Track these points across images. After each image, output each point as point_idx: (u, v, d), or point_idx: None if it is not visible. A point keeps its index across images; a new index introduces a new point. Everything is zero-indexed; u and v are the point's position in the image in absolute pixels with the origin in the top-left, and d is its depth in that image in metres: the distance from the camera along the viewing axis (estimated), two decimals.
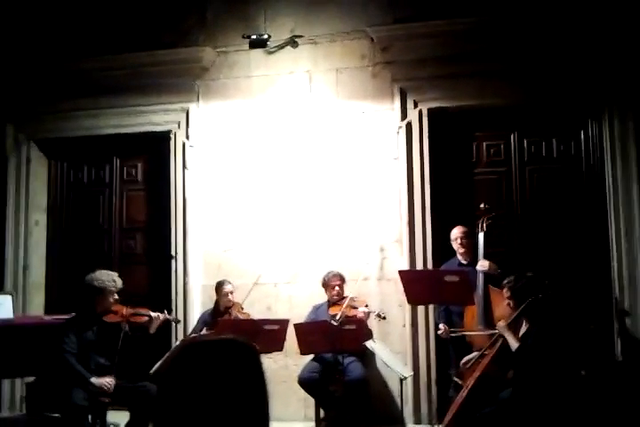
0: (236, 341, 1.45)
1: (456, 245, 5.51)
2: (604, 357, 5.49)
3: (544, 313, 4.41)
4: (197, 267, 6.52)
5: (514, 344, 4.34)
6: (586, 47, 5.80)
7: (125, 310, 5.17)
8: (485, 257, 5.23)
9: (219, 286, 5.93)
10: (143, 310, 5.23)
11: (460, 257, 5.53)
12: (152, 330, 5.17)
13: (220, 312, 5.88)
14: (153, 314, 5.18)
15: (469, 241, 5.46)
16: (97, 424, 5.04)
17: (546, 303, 4.43)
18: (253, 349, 1.46)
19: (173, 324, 5.99)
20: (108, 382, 4.87)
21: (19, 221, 6.95)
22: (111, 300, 5.12)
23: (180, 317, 6.32)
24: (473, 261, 5.36)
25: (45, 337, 5.35)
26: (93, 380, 4.86)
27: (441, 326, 5.34)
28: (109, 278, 5.12)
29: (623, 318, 5.63)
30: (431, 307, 5.82)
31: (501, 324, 4.48)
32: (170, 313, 5.83)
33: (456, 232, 5.53)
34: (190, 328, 6.22)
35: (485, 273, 5.16)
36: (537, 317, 4.40)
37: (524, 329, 4.48)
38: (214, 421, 1.33)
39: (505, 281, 4.57)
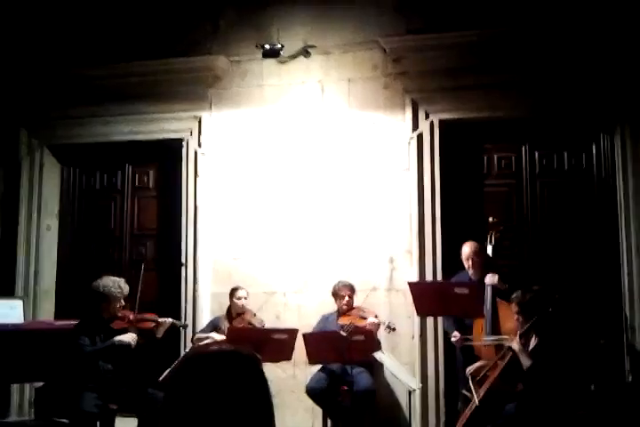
0: (239, 352, 1.47)
1: (467, 263, 5.47)
2: (614, 372, 5.46)
3: (554, 328, 4.40)
4: (207, 275, 6.54)
5: (526, 362, 4.32)
6: (598, 60, 5.79)
7: (132, 316, 5.19)
8: (494, 269, 5.22)
9: (233, 291, 5.97)
10: (150, 316, 5.26)
11: (470, 275, 5.50)
12: (159, 335, 5.20)
13: (233, 318, 5.91)
14: (160, 319, 5.23)
15: (481, 259, 5.39)
16: None
17: (555, 318, 4.42)
18: (256, 360, 1.47)
19: (182, 329, 6.01)
20: (131, 336, 4.97)
21: (30, 226, 6.98)
22: (117, 306, 5.15)
23: (190, 324, 6.34)
24: (483, 277, 5.34)
25: (55, 343, 5.38)
26: (117, 338, 4.95)
27: (456, 333, 5.32)
28: (115, 285, 5.13)
29: (633, 333, 5.61)
30: (440, 319, 5.81)
31: (513, 342, 4.46)
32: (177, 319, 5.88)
33: (467, 251, 5.46)
34: None
35: (493, 287, 5.16)
36: (546, 331, 4.40)
37: (533, 343, 4.47)
38: None
39: (513, 296, 4.57)
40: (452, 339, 5.36)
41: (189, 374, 1.41)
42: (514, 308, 4.53)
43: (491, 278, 5.17)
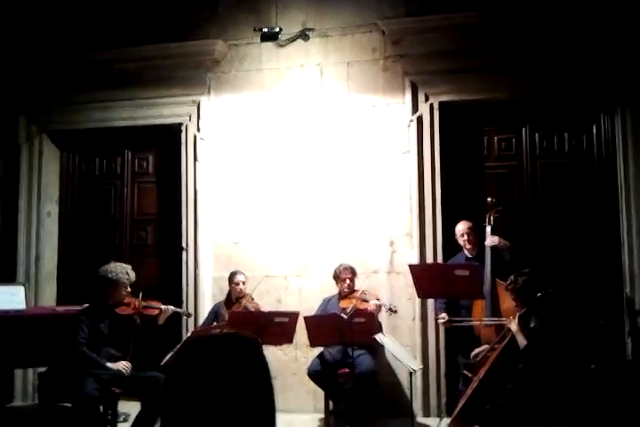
0: (239, 335, 1.48)
1: (462, 240, 5.54)
2: (615, 352, 5.48)
3: (553, 308, 4.41)
4: (208, 259, 6.55)
5: (522, 342, 4.35)
6: (599, 41, 5.76)
7: (138, 303, 5.22)
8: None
9: (231, 276, 6.00)
10: (155, 303, 5.30)
11: (466, 252, 5.56)
12: (160, 322, 5.24)
13: (232, 302, 5.93)
14: (163, 307, 5.26)
15: (475, 236, 5.49)
16: (108, 414, 5.10)
17: (555, 298, 4.43)
18: (256, 343, 1.48)
19: (184, 317, 6.04)
20: (124, 365, 4.94)
21: (31, 212, 6.99)
22: (124, 292, 5.18)
23: (191, 308, 6.37)
24: (479, 253, 5.39)
25: (58, 328, 5.40)
26: (109, 364, 4.93)
27: (443, 315, 5.36)
28: (123, 271, 5.17)
29: (634, 313, 5.62)
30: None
31: (511, 323, 4.47)
32: (180, 306, 5.91)
33: (461, 228, 5.55)
34: (201, 319, 6.26)
35: (494, 250, 5.19)
36: (545, 312, 4.41)
37: (532, 324, 4.49)
38: (220, 414, 1.35)
39: (507, 283, 4.58)
40: (440, 321, 5.39)
41: (190, 357, 1.41)
42: (510, 295, 4.55)
43: (490, 239, 5.23)
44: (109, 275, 5.13)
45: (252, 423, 1.37)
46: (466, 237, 5.51)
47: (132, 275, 5.21)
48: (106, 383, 4.86)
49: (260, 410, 1.39)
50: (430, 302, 5.87)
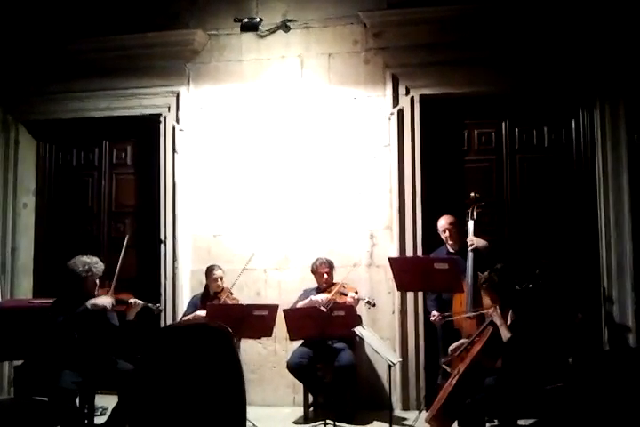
0: (208, 325, 1.48)
1: (444, 235, 5.55)
2: (592, 345, 5.54)
3: (531, 302, 4.44)
4: (187, 251, 6.50)
5: (506, 334, 4.36)
6: (577, 36, 5.79)
7: (109, 297, 5.08)
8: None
9: (209, 271, 5.94)
10: (125, 297, 5.13)
11: (448, 247, 5.57)
12: (130, 316, 5.08)
13: (210, 297, 5.89)
14: (131, 300, 5.09)
15: (458, 231, 5.51)
16: (85, 408, 5.05)
17: (533, 292, 4.45)
18: (226, 333, 1.47)
19: (156, 313, 5.89)
20: (106, 300, 4.90)
21: (7, 203, 6.89)
22: (92, 285, 5.06)
23: (170, 301, 6.33)
24: (461, 249, 5.39)
25: (34, 321, 5.33)
26: (90, 301, 4.86)
27: (434, 312, 5.37)
28: (87, 266, 5.02)
29: (611, 306, 5.68)
30: (420, 294, 5.85)
31: (493, 313, 4.49)
32: (157, 300, 5.83)
33: (443, 223, 5.56)
34: (180, 312, 6.22)
35: (475, 250, 5.22)
36: (522, 307, 4.43)
37: (510, 319, 4.51)
38: (189, 404, 1.34)
39: (481, 281, 4.60)
40: (431, 318, 5.40)
41: (158, 347, 1.41)
42: (485, 293, 4.57)
43: (471, 240, 5.26)
44: (74, 270, 5.01)
45: (222, 413, 1.37)
46: (448, 234, 5.53)
47: (100, 267, 5.07)
48: (82, 377, 4.79)
49: (229, 400, 1.39)
50: (413, 295, 5.88)
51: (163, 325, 6.17)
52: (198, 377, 1.36)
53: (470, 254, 5.24)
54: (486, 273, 4.60)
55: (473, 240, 5.27)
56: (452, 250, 5.55)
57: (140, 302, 5.13)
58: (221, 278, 5.89)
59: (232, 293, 5.85)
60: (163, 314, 6.17)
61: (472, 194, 5.48)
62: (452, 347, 4.82)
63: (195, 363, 1.37)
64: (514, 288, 4.41)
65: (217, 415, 1.36)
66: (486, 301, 4.80)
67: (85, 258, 5.11)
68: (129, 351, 4.95)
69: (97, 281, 5.07)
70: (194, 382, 1.36)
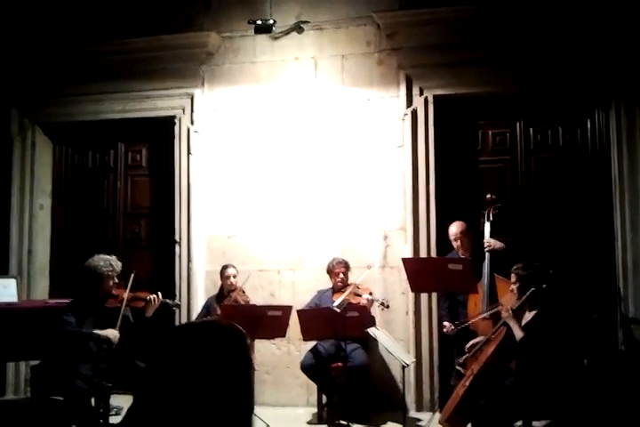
0: (219, 324, 1.48)
1: (455, 243, 5.48)
2: (607, 346, 5.49)
3: (548, 302, 4.41)
4: (201, 252, 6.53)
5: (518, 334, 4.33)
6: (594, 36, 5.76)
7: (126, 295, 5.14)
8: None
9: (223, 270, 6.00)
10: (143, 294, 5.17)
11: (460, 254, 5.49)
12: (148, 314, 5.10)
13: (224, 296, 5.92)
14: (150, 297, 5.10)
15: (468, 239, 5.43)
16: (100, 408, 5.08)
17: (550, 293, 4.42)
18: (236, 331, 1.47)
19: (175, 309, 5.96)
20: (112, 332, 4.88)
21: (23, 205, 6.95)
22: (110, 284, 5.10)
23: (184, 302, 6.34)
24: (473, 255, 5.32)
25: (50, 321, 5.36)
26: (97, 331, 4.86)
27: (446, 323, 5.32)
28: (107, 264, 5.08)
29: (626, 307, 5.63)
30: (434, 295, 5.83)
31: (506, 313, 4.46)
32: (173, 298, 5.86)
33: (454, 231, 5.48)
34: (194, 313, 6.25)
35: (491, 251, 5.15)
36: (540, 306, 4.40)
37: (527, 318, 4.48)
38: (197, 400, 1.35)
39: (514, 267, 4.54)
40: (444, 329, 5.34)
41: (169, 345, 1.42)
42: (512, 277, 4.52)
43: (488, 242, 5.18)
44: (93, 269, 5.06)
45: (228, 410, 1.37)
46: (459, 243, 5.45)
47: (118, 266, 5.11)
48: (97, 377, 4.83)
49: (237, 397, 1.39)
50: (427, 296, 5.85)
51: (178, 323, 6.21)
52: (207, 374, 1.37)
53: (487, 255, 5.19)
54: (522, 264, 4.52)
55: (490, 242, 5.21)
56: (462, 256, 5.48)
57: (159, 297, 5.13)
58: (234, 276, 5.92)
59: (244, 291, 5.88)
60: (177, 314, 6.20)
61: (488, 195, 5.41)
62: (468, 344, 4.80)
63: (204, 360, 1.38)
64: (531, 288, 4.37)
65: (223, 413, 1.37)
66: (505, 299, 4.74)
67: (103, 256, 5.18)
68: (144, 350, 4.98)
69: (115, 279, 5.11)
70: (203, 379, 1.36)
